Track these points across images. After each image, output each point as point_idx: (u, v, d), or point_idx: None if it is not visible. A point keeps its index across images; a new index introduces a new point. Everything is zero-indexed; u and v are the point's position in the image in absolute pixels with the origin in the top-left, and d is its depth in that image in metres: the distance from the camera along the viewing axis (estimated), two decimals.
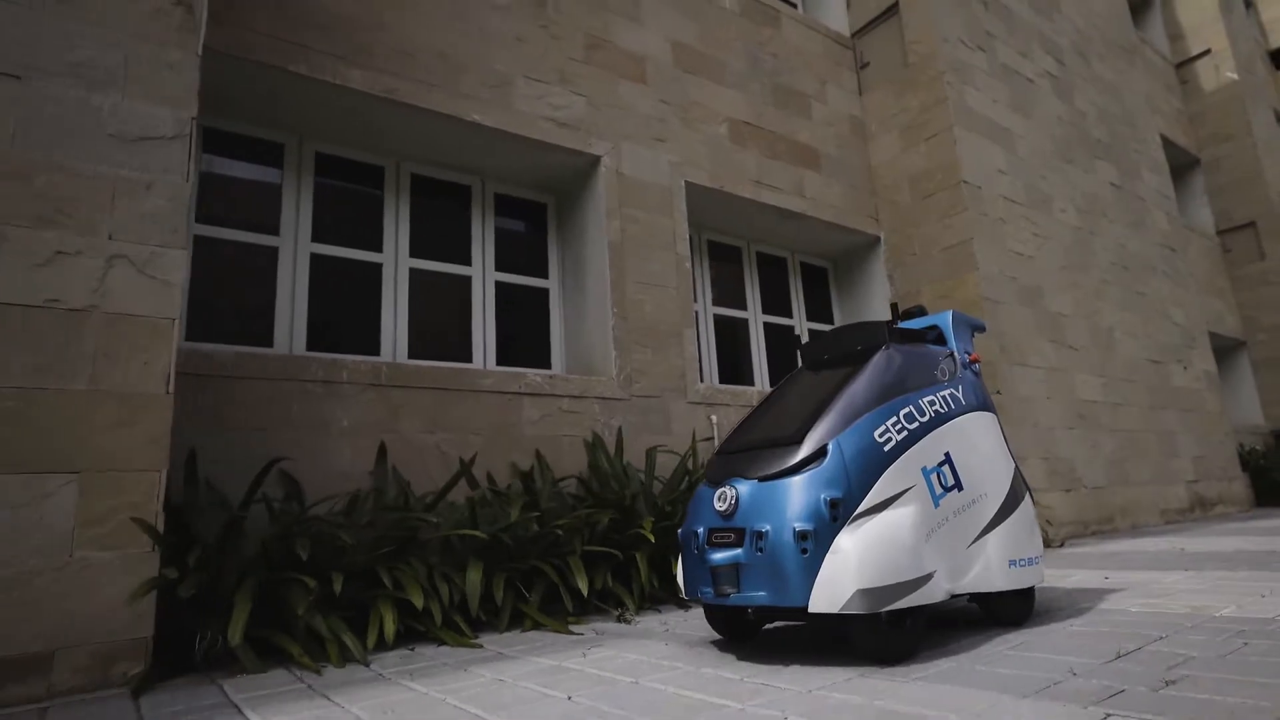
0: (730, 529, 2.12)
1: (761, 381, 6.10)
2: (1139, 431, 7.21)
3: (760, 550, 2.01)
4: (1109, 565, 3.89)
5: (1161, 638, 2.05)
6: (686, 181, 5.33)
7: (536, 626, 2.94)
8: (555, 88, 4.78)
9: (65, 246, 2.39)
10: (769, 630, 2.62)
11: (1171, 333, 8.31)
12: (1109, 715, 1.39)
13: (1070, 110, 7.81)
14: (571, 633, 2.81)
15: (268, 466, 3.02)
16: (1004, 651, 2.01)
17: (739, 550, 2.06)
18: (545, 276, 5.16)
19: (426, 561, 2.95)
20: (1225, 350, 12.26)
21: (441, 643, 2.69)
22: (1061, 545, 5.37)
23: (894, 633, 1.95)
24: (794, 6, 7.19)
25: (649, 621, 2.98)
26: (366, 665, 2.38)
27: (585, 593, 2.97)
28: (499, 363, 4.79)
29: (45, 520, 2.22)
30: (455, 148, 4.62)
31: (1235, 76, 13.06)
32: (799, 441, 2.13)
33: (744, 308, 6.20)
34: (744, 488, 2.14)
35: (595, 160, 4.91)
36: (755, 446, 2.25)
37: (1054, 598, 2.90)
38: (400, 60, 4.18)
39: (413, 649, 2.62)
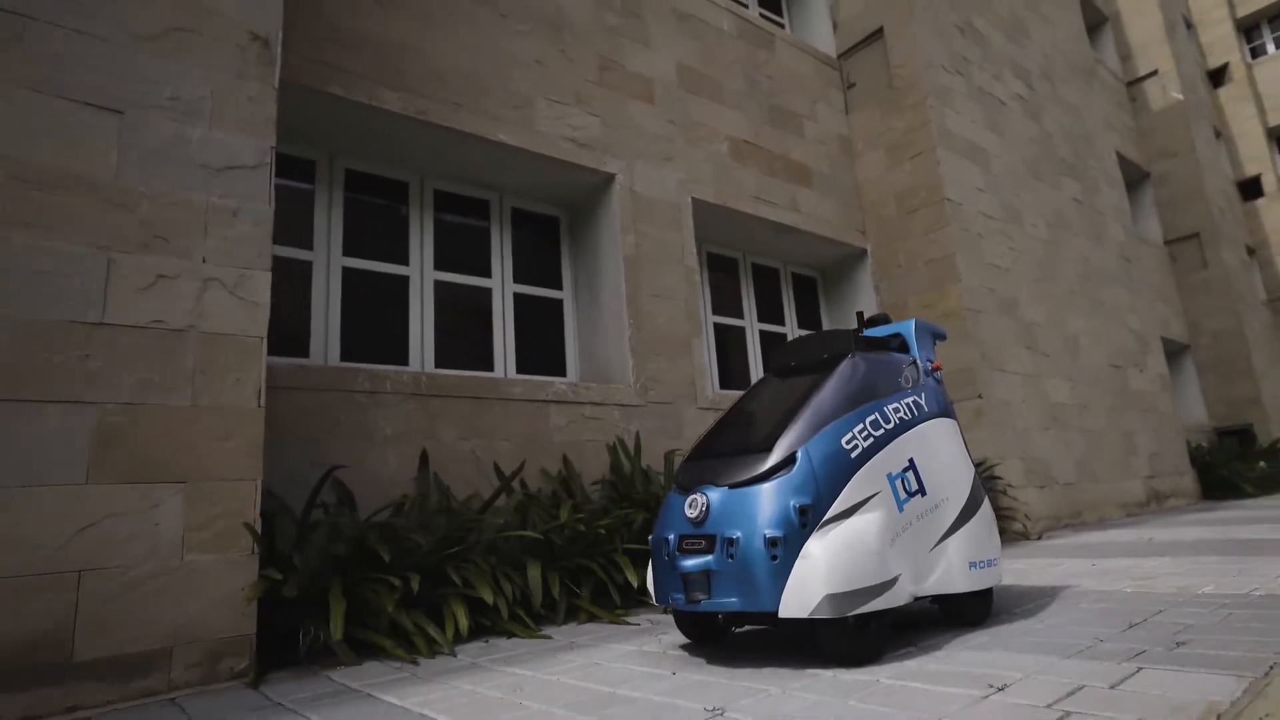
0: (701, 536, 2.15)
1: None
2: (1102, 432, 7.74)
3: (731, 557, 2.05)
4: (1090, 554, 4.29)
5: (1160, 611, 2.40)
6: (693, 198, 5.62)
7: (592, 619, 3.18)
8: (573, 108, 5.03)
9: (166, 270, 2.56)
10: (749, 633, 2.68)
11: (1129, 339, 8.90)
12: (1140, 668, 1.71)
13: (1039, 130, 8.33)
14: (627, 623, 3.06)
15: (327, 474, 3.21)
16: (1033, 625, 2.34)
17: (710, 557, 2.09)
18: (559, 288, 5.39)
19: (487, 561, 3.18)
20: (1172, 354, 13.03)
21: (511, 635, 2.92)
22: (1039, 538, 5.80)
23: (861, 636, 2.02)
24: (781, 26, 7.54)
25: None
26: (454, 655, 2.60)
27: (636, 586, 3.22)
28: (518, 371, 5.00)
29: (159, 527, 2.40)
30: (477, 164, 4.82)
31: (1180, 96, 13.91)
32: (768, 449, 2.17)
33: (741, 316, 6.52)
34: (714, 495, 2.17)
35: (610, 178, 5.16)
36: (725, 453, 2.30)
37: (1057, 580, 3.26)
38: (431, 82, 4.38)
39: (486, 641, 2.84)
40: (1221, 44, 19.57)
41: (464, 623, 2.81)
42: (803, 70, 7.03)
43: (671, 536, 2.24)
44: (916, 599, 2.22)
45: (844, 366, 2.38)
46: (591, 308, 5.26)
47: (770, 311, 6.80)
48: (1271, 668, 1.61)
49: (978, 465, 6.03)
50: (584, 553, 3.55)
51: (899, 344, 2.69)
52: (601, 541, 3.59)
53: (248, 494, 2.59)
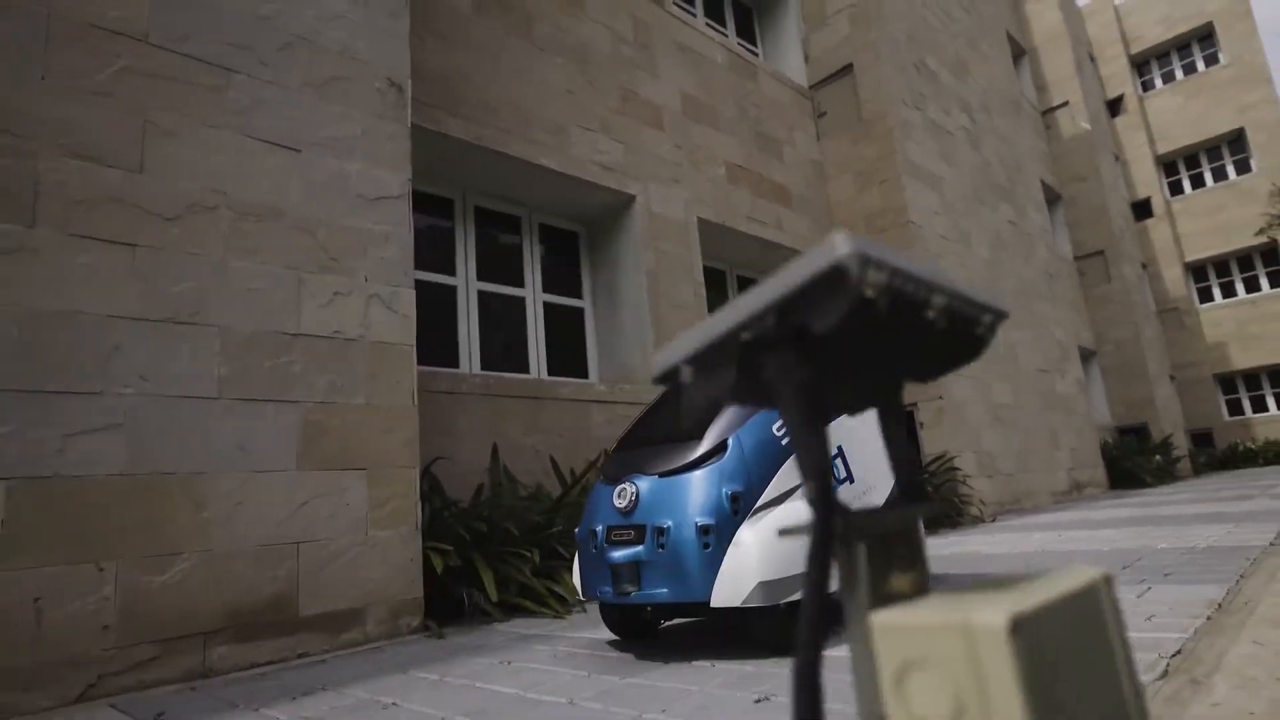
0: (630, 526, 2.12)
1: None
2: (1034, 429, 8.89)
3: (662, 547, 2.03)
4: (1049, 530, 5.22)
5: (1139, 559, 3.24)
6: (698, 217, 6.30)
7: None
8: (599, 135, 5.61)
9: (340, 288, 3.03)
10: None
11: (1054, 347, 10.16)
12: (1150, 587, 2.49)
13: (980, 159, 9.45)
14: None
15: (429, 465, 3.71)
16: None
17: (639, 548, 2.07)
18: (580, 297, 5.96)
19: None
20: (1081, 360, 14.65)
21: None
22: (993, 520, 6.77)
23: (793, 624, 2.02)
24: (756, 54, 8.32)
25: None
26: (585, 612, 3.17)
27: None
28: (548, 373, 5.54)
29: (349, 506, 2.87)
30: (514, 184, 5.34)
31: (1088, 126, 15.64)
32: (699, 436, 2.16)
33: None
34: (644, 484, 2.14)
35: (630, 199, 5.77)
36: (654, 442, 2.27)
37: (1039, 548, 4.09)
38: (484, 111, 4.89)
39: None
40: (1117, 77, 21.86)
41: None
42: (782, 99, 7.84)
43: (600, 528, 2.20)
44: None
45: None
46: (611, 316, 5.85)
47: None
48: (1240, 577, 2.42)
49: (939, 458, 6.97)
50: None
51: None
52: None
53: (410, 479, 3.09)
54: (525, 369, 5.40)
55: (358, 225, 3.15)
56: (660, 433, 2.30)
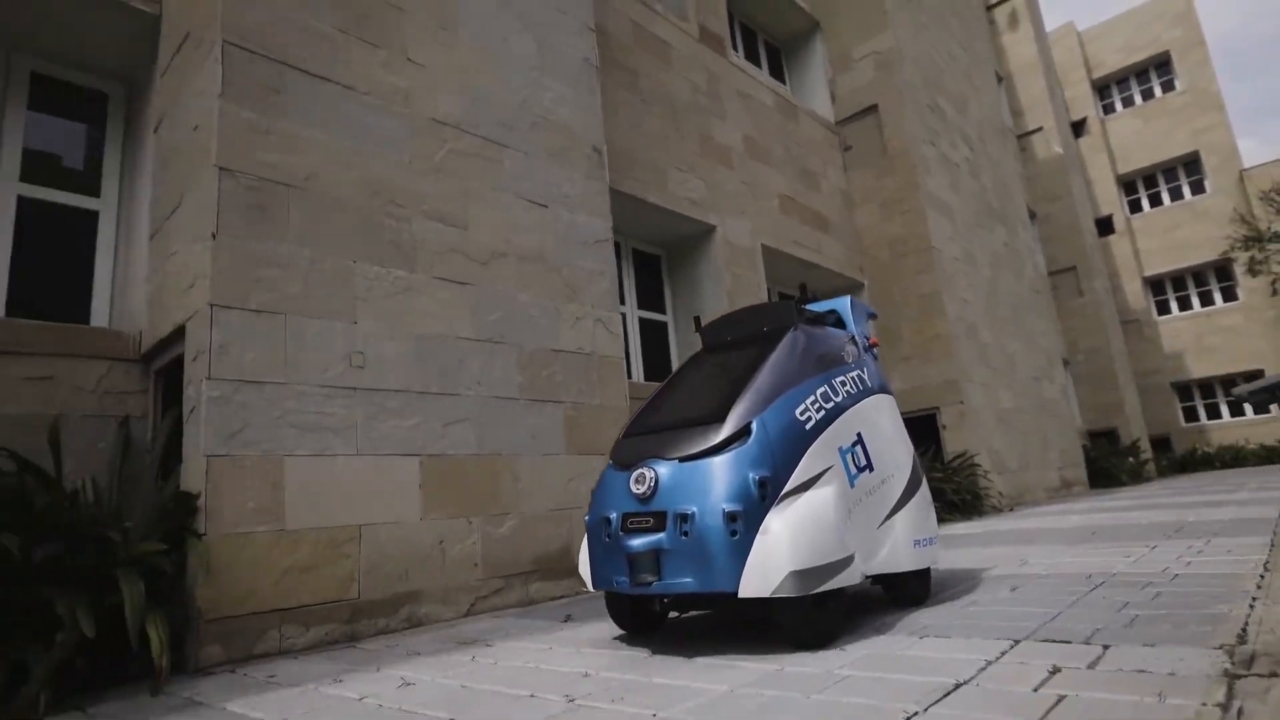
0: (649, 513, 2.07)
1: None
2: (1030, 431, 10.26)
3: (685, 534, 1.98)
4: (1077, 513, 6.48)
5: (1181, 528, 4.45)
6: (762, 244, 7.44)
7: None
8: (687, 174, 6.71)
9: (578, 314, 4.06)
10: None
11: (1041, 356, 11.61)
12: (1209, 542, 3.67)
13: (979, 186, 10.85)
14: None
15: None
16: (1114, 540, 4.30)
17: (661, 535, 2.01)
18: (664, 313, 7.03)
19: None
20: None
21: None
22: (1011, 510, 8.05)
23: (821, 615, 2.00)
24: (783, 83, 9.53)
25: None
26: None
27: None
28: (645, 380, 6.59)
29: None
30: (621, 217, 6.39)
31: (1060, 150, 17.36)
32: (720, 420, 2.11)
33: None
34: (663, 469, 2.09)
35: (711, 229, 6.88)
36: (670, 427, 2.23)
37: (1085, 524, 5.30)
38: (611, 157, 5.93)
39: None
40: (1081, 101, 23.91)
41: None
42: (816, 136, 9.06)
43: (614, 515, 2.15)
44: (866, 578, 2.20)
45: (789, 339, 2.39)
46: (690, 330, 6.93)
47: None
48: (1274, 533, 3.62)
49: (961, 455, 8.23)
50: None
51: (834, 320, 2.78)
52: None
53: None
54: (630, 376, 6.43)
55: (584, 264, 4.19)
56: (675, 416, 2.27)
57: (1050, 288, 16.55)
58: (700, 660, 1.97)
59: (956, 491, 7.46)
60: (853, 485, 2.23)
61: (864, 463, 2.33)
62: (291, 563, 2.71)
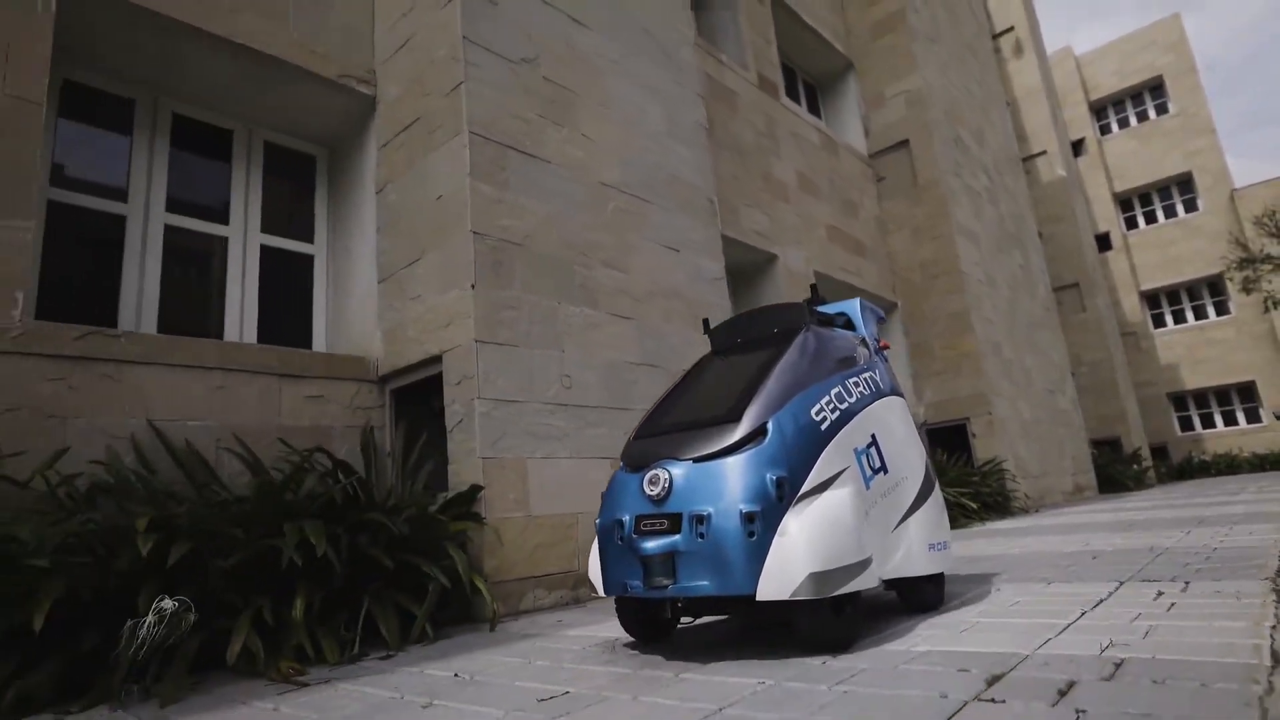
0: (663, 515, 2.06)
1: None
2: (1048, 439, 11.15)
3: (701, 536, 1.97)
4: (1104, 512, 7.33)
5: (1203, 520, 5.30)
6: (815, 270, 8.30)
7: None
8: (753, 209, 7.57)
9: (694, 332, 4.89)
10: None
11: (1053, 369, 12.53)
12: (1233, 528, 4.53)
13: (997, 213, 11.78)
14: None
15: None
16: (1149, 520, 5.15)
17: (676, 537, 2.01)
18: None
19: None
20: None
21: None
22: (1037, 510, 8.91)
23: (840, 619, 2.00)
24: (820, 117, 10.42)
25: None
26: None
27: None
28: None
29: None
30: None
31: (1064, 173, 18.39)
32: (735, 420, 2.10)
33: None
34: (677, 470, 2.08)
35: (773, 258, 7.73)
36: (682, 428, 2.22)
37: (1128, 517, 6.14)
38: None
39: None
40: (1079, 122, 25.03)
41: None
42: (854, 170, 9.95)
43: (626, 517, 2.14)
44: (881, 582, 2.20)
45: (801, 339, 2.39)
46: None
47: None
48: None
49: (990, 460, 9.09)
50: None
51: (844, 322, 2.78)
52: None
53: None
54: None
55: (706, 299, 5.02)
56: (687, 417, 2.26)
57: (1055, 304, 17.53)
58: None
59: (989, 493, 8.32)
60: (868, 487, 2.24)
61: (879, 464, 2.33)
62: (537, 541, 3.52)
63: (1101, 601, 2.33)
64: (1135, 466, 15.11)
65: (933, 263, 9.84)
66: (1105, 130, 25.51)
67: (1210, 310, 22.94)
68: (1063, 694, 1.40)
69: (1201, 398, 22.89)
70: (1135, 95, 25.13)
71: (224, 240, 4.18)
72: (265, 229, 4.35)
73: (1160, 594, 2.38)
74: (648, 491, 2.10)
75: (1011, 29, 19.16)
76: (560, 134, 4.24)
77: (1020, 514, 8.60)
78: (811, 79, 10.75)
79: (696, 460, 2.06)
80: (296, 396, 3.71)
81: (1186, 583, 2.54)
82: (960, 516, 7.38)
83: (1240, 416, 22.09)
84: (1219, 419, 22.38)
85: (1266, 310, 19.47)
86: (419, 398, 3.94)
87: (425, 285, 3.84)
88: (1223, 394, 22.44)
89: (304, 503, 2.84)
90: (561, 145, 4.23)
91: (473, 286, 3.54)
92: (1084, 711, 1.29)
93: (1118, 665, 1.56)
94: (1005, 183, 12.72)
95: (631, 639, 2.48)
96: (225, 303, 4.10)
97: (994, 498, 8.39)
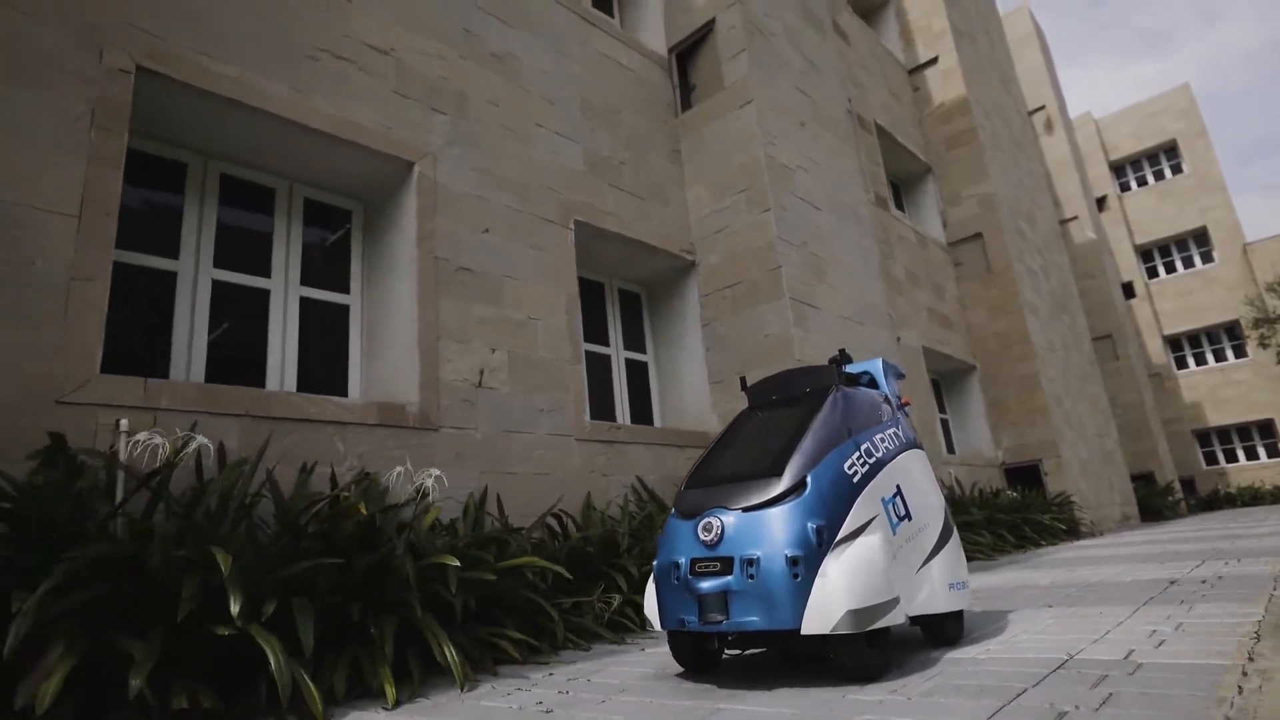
0: (716, 558, 2.37)
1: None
2: (1100, 477, 13.59)
3: (751, 577, 2.28)
4: (1155, 539, 9.74)
5: (1243, 538, 7.74)
6: (922, 346, 10.85)
7: None
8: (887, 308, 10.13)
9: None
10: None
11: (1100, 415, 15.00)
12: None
13: (1050, 286, 14.36)
14: None
15: None
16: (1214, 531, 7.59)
17: (729, 577, 2.32)
18: None
19: None
20: None
21: None
22: (1101, 535, 11.33)
23: (873, 651, 2.31)
24: (903, 210, 13.03)
25: None
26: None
27: None
28: None
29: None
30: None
31: (1094, 236, 21.04)
32: (778, 474, 2.43)
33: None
34: (728, 518, 2.41)
35: (898, 338, 10.28)
36: (730, 480, 2.55)
37: (1197, 534, 8.55)
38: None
39: None
40: (1101, 180, 27.79)
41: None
42: (938, 258, 12.57)
43: (683, 560, 2.45)
44: (907, 618, 2.48)
45: (834, 398, 2.71)
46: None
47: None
48: None
49: (1059, 494, 11.53)
50: None
51: (868, 380, 3.09)
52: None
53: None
54: None
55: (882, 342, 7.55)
56: (734, 470, 2.60)
57: (1096, 356, 20.04)
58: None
59: (1063, 521, 10.74)
60: (895, 533, 2.53)
61: (904, 512, 2.62)
62: None
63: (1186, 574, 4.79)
64: (1170, 498, 17.49)
65: (1006, 334, 12.39)
66: (1125, 188, 28.27)
67: (1229, 353, 25.43)
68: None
69: (1224, 434, 25.27)
70: (1151, 156, 27.94)
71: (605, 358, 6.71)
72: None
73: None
74: (702, 537, 2.43)
75: (1043, 107, 21.98)
76: (821, 288, 6.81)
77: (1087, 538, 11.01)
78: (896, 179, 13.41)
79: (745, 510, 2.41)
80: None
81: None
82: (1048, 536, 9.79)
83: (1261, 451, 24.43)
84: (1241, 454, 24.74)
85: (1279, 363, 21.94)
86: None
87: None
88: (1244, 430, 24.82)
89: None
90: (822, 295, 6.79)
91: None
92: None
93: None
94: (1053, 258, 15.34)
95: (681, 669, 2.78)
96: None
97: (1066, 524, 10.81)
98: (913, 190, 13.55)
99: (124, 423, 3.23)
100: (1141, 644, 2.43)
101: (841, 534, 2.35)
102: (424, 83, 5.12)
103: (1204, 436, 25.65)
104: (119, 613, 2.27)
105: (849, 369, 3.10)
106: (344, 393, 4.75)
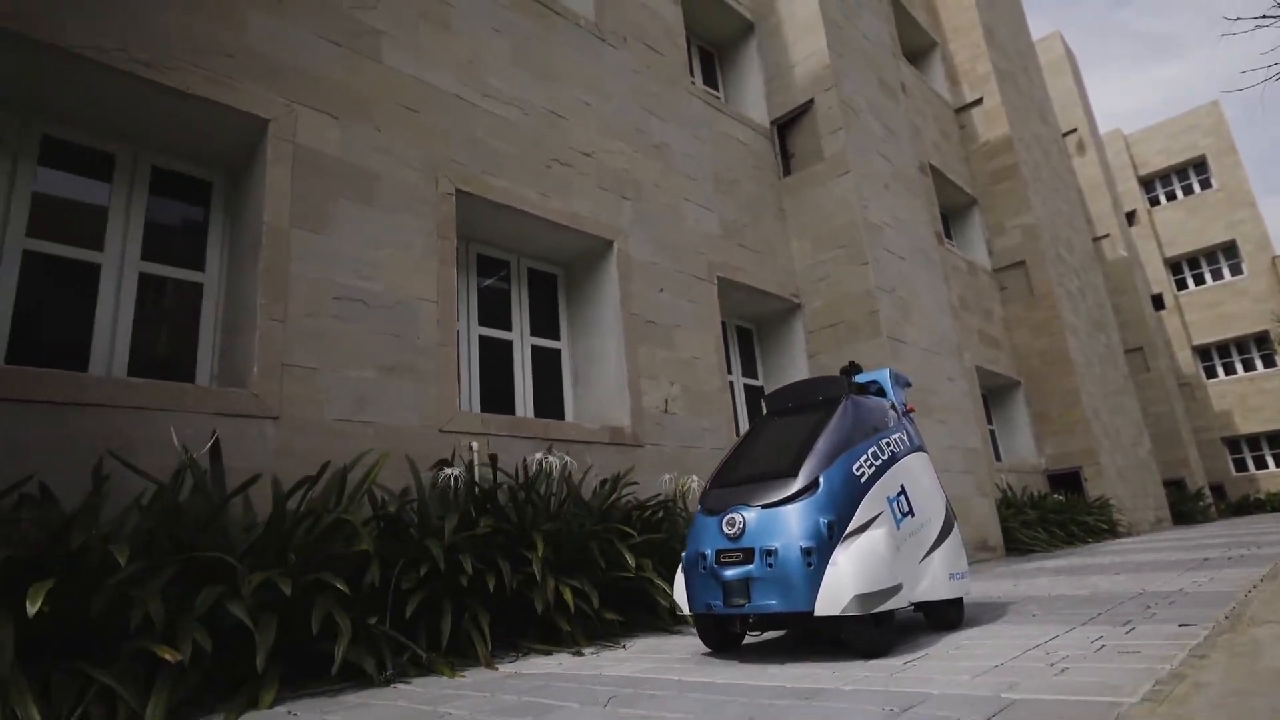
0: (739, 549, 2.72)
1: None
2: (1135, 482, 14.98)
3: (770, 565, 2.62)
4: (1187, 539, 11.15)
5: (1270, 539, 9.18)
6: (976, 366, 12.33)
7: None
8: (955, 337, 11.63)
9: (960, 423, 8.91)
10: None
11: (1134, 426, 16.38)
12: None
13: (1088, 306, 15.79)
14: None
15: None
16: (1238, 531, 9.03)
17: (750, 566, 2.67)
18: None
19: None
20: None
21: None
22: (1137, 535, 12.74)
23: (879, 631, 2.63)
24: (950, 240, 14.47)
25: None
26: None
27: None
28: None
29: (972, 477, 8.70)
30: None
31: (1125, 253, 22.37)
32: (794, 475, 2.78)
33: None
34: (750, 514, 2.76)
35: (961, 359, 11.77)
36: (750, 480, 2.91)
37: (1228, 532, 9.96)
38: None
39: None
40: (1130, 195, 29.06)
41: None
42: (985, 284, 14.05)
43: (709, 551, 2.81)
44: (910, 604, 2.82)
45: (845, 406, 3.05)
46: None
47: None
48: None
49: (1099, 498, 12.95)
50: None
51: (876, 390, 3.42)
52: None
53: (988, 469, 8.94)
54: None
55: (959, 403, 9.04)
56: (754, 471, 2.96)
57: (1129, 369, 21.37)
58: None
59: (1103, 522, 12.15)
60: (899, 527, 2.84)
61: (907, 509, 2.93)
62: None
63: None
64: (1200, 503, 18.80)
65: (1048, 352, 13.83)
66: (1154, 202, 29.53)
67: (1258, 362, 26.62)
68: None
69: (1254, 441, 26.45)
70: (1180, 171, 29.18)
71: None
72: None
73: None
74: (726, 531, 2.77)
75: (1075, 130, 23.36)
76: (907, 325, 8.34)
77: (1125, 537, 12.43)
78: (944, 210, 14.88)
79: (765, 506, 2.74)
80: None
81: None
82: (1092, 535, 11.22)
83: None
84: (1271, 460, 25.90)
85: None
86: None
87: None
88: (1274, 438, 25.99)
89: None
90: (908, 331, 8.32)
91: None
92: None
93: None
94: (1090, 279, 16.75)
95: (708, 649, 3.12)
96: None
97: (1106, 524, 12.24)
98: (959, 220, 15.03)
99: (474, 445, 4.84)
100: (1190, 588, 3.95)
101: (850, 528, 2.68)
102: (614, 175, 6.71)
103: (1234, 444, 26.83)
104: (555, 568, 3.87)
105: (859, 379, 3.44)
106: (561, 417, 6.33)
